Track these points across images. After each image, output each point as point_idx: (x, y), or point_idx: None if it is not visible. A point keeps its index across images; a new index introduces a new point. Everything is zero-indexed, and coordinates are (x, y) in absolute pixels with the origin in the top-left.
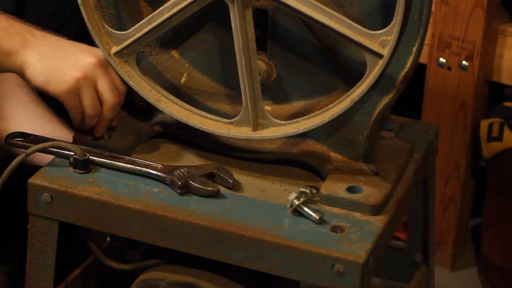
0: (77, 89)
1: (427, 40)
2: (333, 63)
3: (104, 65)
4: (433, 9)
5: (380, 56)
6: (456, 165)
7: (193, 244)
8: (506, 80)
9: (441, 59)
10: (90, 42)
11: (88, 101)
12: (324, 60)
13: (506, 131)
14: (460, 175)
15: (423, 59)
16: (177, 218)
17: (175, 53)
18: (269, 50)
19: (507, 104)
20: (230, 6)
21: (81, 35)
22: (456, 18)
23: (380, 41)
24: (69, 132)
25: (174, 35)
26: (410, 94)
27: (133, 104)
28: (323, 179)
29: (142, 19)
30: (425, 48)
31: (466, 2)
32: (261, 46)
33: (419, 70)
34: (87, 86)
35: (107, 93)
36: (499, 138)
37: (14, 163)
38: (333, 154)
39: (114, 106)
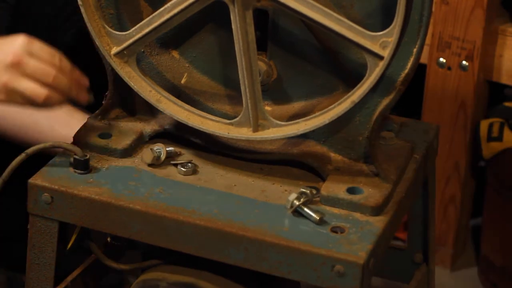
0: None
1: (427, 40)
2: (334, 63)
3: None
4: (433, 9)
5: (380, 57)
6: (456, 165)
7: (193, 244)
8: (506, 80)
9: (441, 59)
10: (90, 42)
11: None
12: (324, 61)
13: (506, 131)
14: (460, 175)
15: (423, 59)
16: (177, 219)
17: (175, 53)
18: (270, 51)
19: (507, 104)
20: (231, 7)
21: (80, 36)
22: (456, 18)
23: (381, 43)
24: None
25: (175, 35)
26: (410, 94)
27: (133, 104)
28: (323, 179)
29: (143, 19)
30: (425, 48)
31: (466, 2)
32: (262, 46)
33: (419, 70)
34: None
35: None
36: (499, 138)
37: (14, 163)
38: (333, 155)
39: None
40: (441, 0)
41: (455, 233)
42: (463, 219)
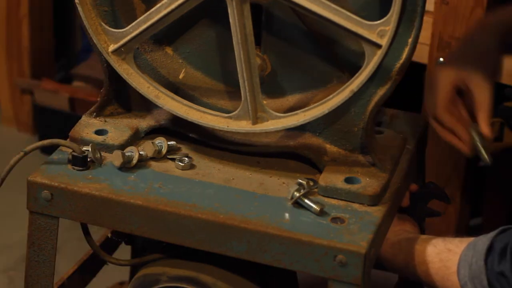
0: None
1: (427, 40)
2: (328, 56)
3: None
4: (433, 9)
5: (378, 46)
6: (456, 165)
7: (195, 238)
8: (506, 80)
9: (441, 59)
10: None
11: None
12: (318, 54)
13: (506, 131)
14: (460, 175)
15: (423, 59)
16: (179, 213)
17: (169, 50)
18: (264, 44)
19: (507, 104)
20: (228, 1)
21: None
22: (456, 18)
23: (378, 32)
24: None
25: (168, 32)
26: (410, 94)
27: (128, 101)
28: (320, 171)
29: (136, 16)
30: (425, 48)
31: (466, 2)
32: (255, 40)
33: (419, 70)
34: None
35: None
36: (499, 138)
37: (12, 161)
38: (328, 146)
39: None
40: (441, 0)
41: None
42: (463, 219)
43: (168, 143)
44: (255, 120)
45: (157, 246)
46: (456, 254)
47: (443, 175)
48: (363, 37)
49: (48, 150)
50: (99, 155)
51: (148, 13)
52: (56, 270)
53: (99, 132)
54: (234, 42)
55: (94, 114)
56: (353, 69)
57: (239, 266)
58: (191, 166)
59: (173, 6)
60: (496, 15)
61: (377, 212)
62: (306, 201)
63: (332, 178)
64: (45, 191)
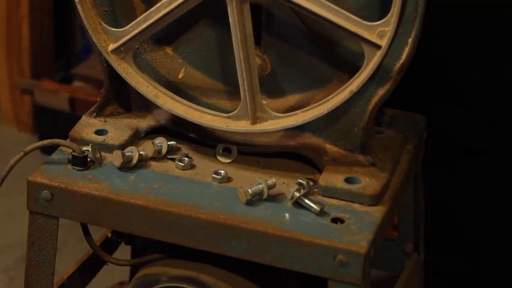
0: None
1: None
2: (328, 56)
3: None
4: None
5: (378, 47)
6: None
7: (195, 238)
8: None
9: None
10: None
11: None
12: (318, 54)
13: None
14: None
15: None
16: (179, 213)
17: (169, 50)
18: (263, 44)
19: None
20: (228, 0)
21: None
22: None
23: (378, 32)
24: None
25: (168, 32)
26: (410, 94)
27: (128, 101)
28: (320, 171)
29: (136, 16)
30: None
31: None
32: (255, 40)
33: None
34: None
35: None
36: None
37: (12, 161)
38: (329, 146)
39: None
40: None
41: None
42: None
43: (168, 143)
44: (255, 120)
45: (157, 246)
46: None
47: None
48: (363, 38)
49: (48, 150)
50: (99, 155)
51: (147, 12)
52: (56, 270)
53: (99, 132)
54: (233, 42)
55: (94, 114)
56: (353, 69)
57: (239, 266)
58: (191, 166)
59: (172, 6)
60: None
61: (377, 212)
62: (306, 201)
63: (332, 178)
64: (45, 191)
